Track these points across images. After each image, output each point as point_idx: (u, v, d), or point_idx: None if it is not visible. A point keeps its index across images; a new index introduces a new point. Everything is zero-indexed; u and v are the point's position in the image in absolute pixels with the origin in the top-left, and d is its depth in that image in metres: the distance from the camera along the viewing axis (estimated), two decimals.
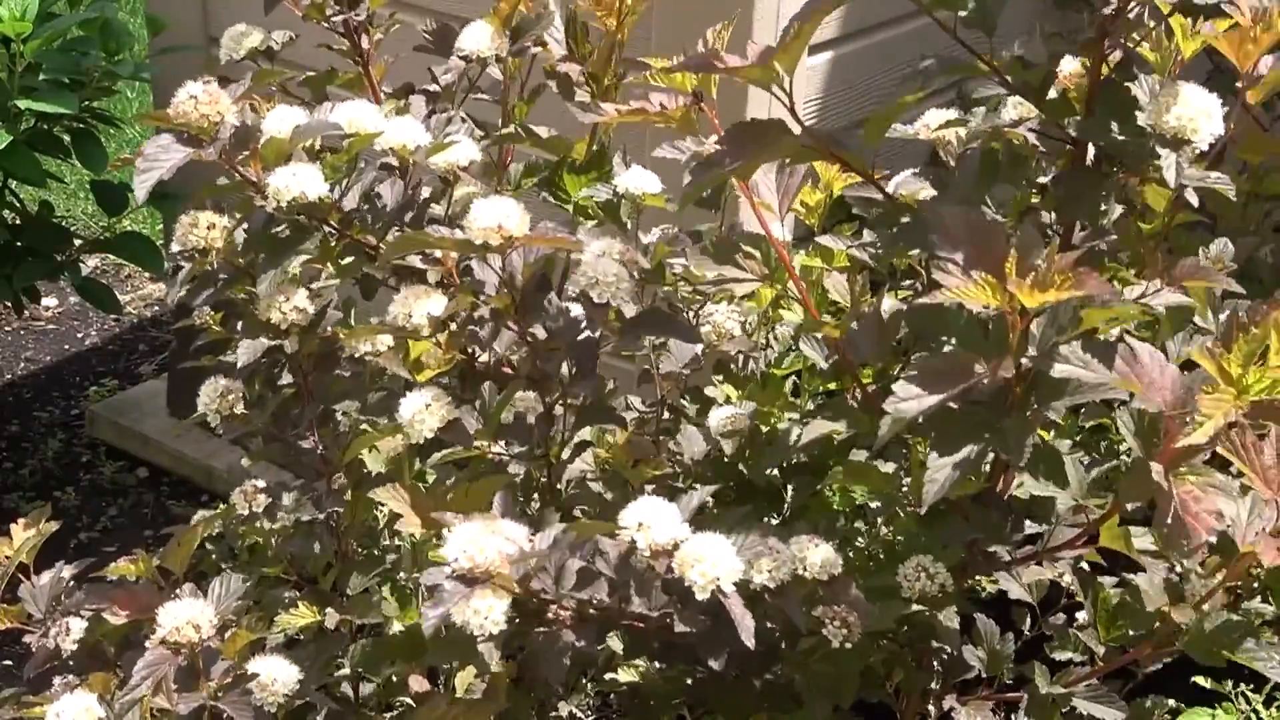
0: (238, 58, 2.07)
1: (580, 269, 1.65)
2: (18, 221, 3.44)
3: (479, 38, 1.98)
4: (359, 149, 1.72)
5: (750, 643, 1.45)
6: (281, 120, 1.72)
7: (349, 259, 1.76)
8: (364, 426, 1.85)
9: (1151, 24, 1.56)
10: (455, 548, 1.43)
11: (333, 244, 1.75)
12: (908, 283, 1.92)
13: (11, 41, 3.08)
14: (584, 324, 1.66)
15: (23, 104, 3.06)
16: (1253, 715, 2.27)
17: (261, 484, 1.98)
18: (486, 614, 1.42)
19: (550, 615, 1.52)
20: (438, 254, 1.68)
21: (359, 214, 1.76)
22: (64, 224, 4.02)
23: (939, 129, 1.81)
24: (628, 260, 1.68)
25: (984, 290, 1.41)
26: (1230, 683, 2.32)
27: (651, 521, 1.47)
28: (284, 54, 2.11)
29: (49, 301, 4.34)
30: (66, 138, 3.29)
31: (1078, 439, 2.04)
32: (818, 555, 1.62)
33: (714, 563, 1.45)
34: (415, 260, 1.71)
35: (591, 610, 1.53)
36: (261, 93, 1.92)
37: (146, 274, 4.43)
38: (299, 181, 1.66)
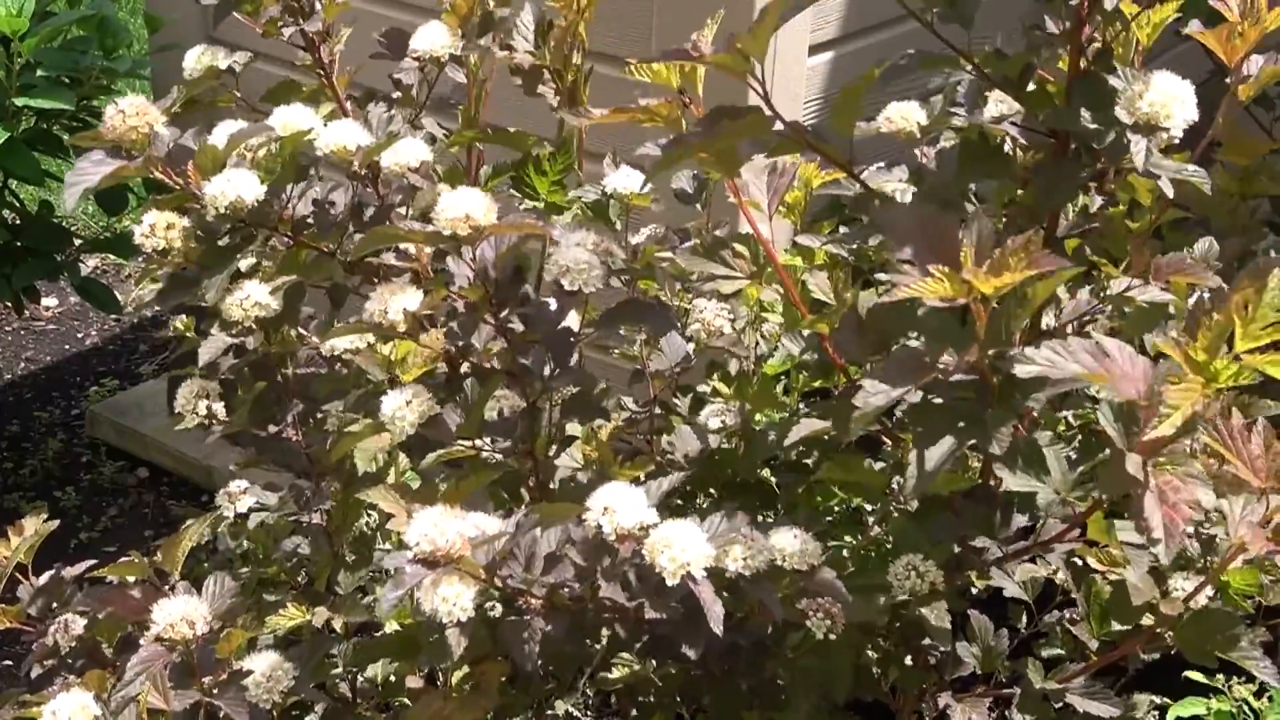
0: (196, 77, 2.06)
1: (552, 258, 1.65)
2: (18, 221, 3.44)
3: (432, 38, 1.96)
4: (291, 149, 1.73)
5: (719, 629, 1.45)
6: (224, 133, 1.73)
7: (314, 263, 1.77)
8: (351, 428, 1.85)
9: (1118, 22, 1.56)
10: (416, 531, 1.44)
11: (285, 251, 1.77)
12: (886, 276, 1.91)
13: (10, 41, 3.09)
14: (559, 314, 1.67)
15: (20, 101, 3.06)
16: (1244, 706, 2.28)
17: (245, 485, 1.98)
18: (455, 601, 1.43)
19: (521, 604, 1.53)
20: (412, 251, 1.68)
21: (309, 221, 1.77)
22: (64, 224, 4.02)
23: (929, 128, 1.80)
24: (600, 250, 1.68)
25: (940, 283, 1.40)
26: (1221, 677, 2.32)
27: (618, 505, 1.48)
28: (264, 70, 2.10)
29: (49, 301, 4.34)
30: (66, 136, 3.29)
31: (1060, 432, 2.03)
32: (795, 545, 1.62)
33: (683, 548, 1.46)
34: (389, 257, 1.72)
35: (566, 600, 1.54)
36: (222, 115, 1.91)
37: None
38: (234, 186, 1.67)
